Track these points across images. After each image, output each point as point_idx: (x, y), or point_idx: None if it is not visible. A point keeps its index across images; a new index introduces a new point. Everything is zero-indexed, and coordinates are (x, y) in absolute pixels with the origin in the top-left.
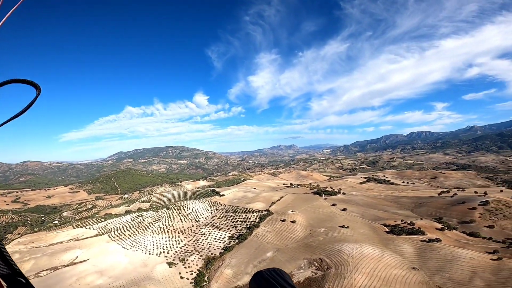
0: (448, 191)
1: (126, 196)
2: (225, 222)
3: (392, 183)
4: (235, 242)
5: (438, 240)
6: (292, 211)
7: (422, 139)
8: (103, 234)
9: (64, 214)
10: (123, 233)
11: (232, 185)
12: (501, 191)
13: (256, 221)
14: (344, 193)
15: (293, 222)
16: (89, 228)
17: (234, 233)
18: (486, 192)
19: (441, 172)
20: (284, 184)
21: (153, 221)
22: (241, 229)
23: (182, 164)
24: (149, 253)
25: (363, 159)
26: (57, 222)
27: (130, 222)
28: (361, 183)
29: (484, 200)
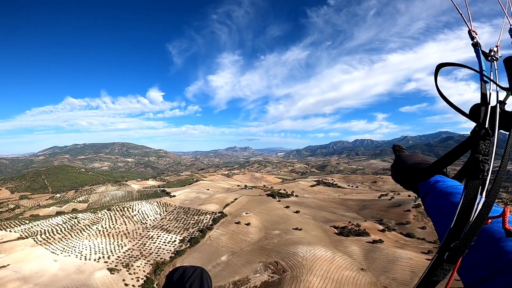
0: (386, 194)
1: (58, 195)
2: (176, 225)
3: (339, 187)
4: (187, 246)
5: (380, 241)
6: (246, 213)
7: (364, 146)
8: (27, 237)
9: None
10: (52, 237)
11: (184, 185)
12: None
13: (210, 223)
14: (296, 196)
15: (248, 224)
16: (10, 231)
17: (185, 236)
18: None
19: (379, 176)
20: (238, 185)
21: (91, 223)
22: (193, 231)
23: (130, 162)
24: (86, 259)
25: (313, 163)
26: None
27: (61, 225)
28: (312, 186)
29: (417, 203)
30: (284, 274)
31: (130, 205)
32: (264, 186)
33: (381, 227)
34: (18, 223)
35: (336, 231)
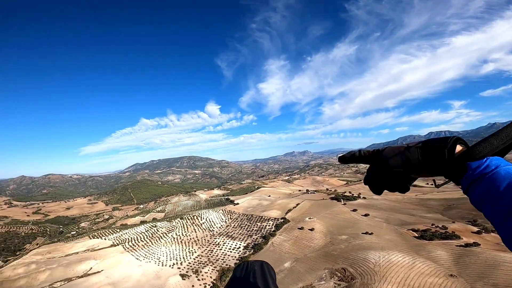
0: None
1: (141, 206)
2: (240, 231)
3: (416, 185)
4: (251, 252)
5: (476, 244)
6: (309, 218)
7: None
8: (118, 244)
9: (82, 224)
10: (137, 244)
11: (247, 193)
12: None
13: (272, 229)
14: (364, 198)
15: (312, 229)
16: (105, 239)
17: (249, 243)
18: None
19: None
20: (299, 190)
21: (167, 231)
22: (257, 238)
23: (197, 173)
24: (162, 265)
25: None
26: (74, 232)
27: (144, 233)
28: None
29: None
30: (353, 281)
31: (199, 214)
32: (327, 189)
33: (475, 229)
34: (111, 231)
35: (416, 235)
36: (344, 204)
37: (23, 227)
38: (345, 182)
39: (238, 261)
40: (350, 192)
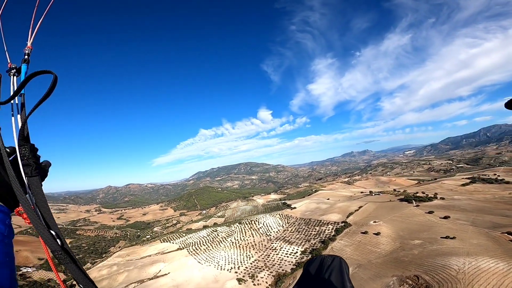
0: None
1: (204, 212)
2: (297, 236)
3: (508, 182)
4: (308, 258)
5: None
6: (374, 222)
7: None
8: (183, 248)
9: (155, 229)
10: (199, 248)
11: (304, 196)
12: None
13: (332, 234)
14: (442, 198)
15: (377, 234)
16: (172, 243)
17: (307, 248)
18: None
19: None
20: (362, 192)
21: (226, 235)
22: (315, 243)
23: (254, 179)
24: (221, 269)
25: (459, 157)
26: (149, 236)
27: (205, 237)
28: (463, 185)
29: None
30: None
31: (257, 219)
32: (395, 190)
33: None
34: (178, 236)
35: None
36: (417, 205)
37: (109, 231)
38: (416, 182)
39: (295, 266)
40: (423, 193)
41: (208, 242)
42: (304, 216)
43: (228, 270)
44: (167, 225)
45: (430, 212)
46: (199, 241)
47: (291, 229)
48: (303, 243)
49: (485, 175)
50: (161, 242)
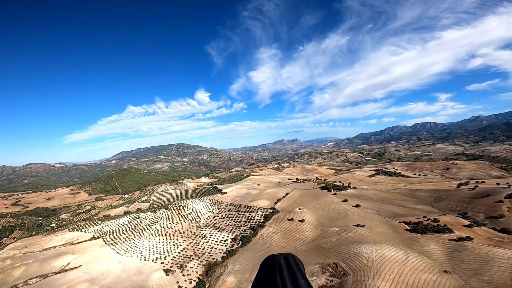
0: (466, 183)
1: (126, 196)
2: (228, 223)
3: (403, 176)
4: (239, 245)
5: (469, 238)
6: (300, 209)
7: (427, 130)
8: (98, 237)
9: (62, 216)
10: (118, 237)
11: (235, 181)
12: None
13: (261, 220)
14: (354, 188)
15: (302, 221)
16: (85, 231)
17: (237, 235)
18: (510, 183)
19: (453, 163)
20: (289, 179)
21: (151, 223)
22: (245, 230)
23: (185, 161)
24: (145, 259)
25: (368, 151)
26: (54, 225)
27: (126, 225)
28: (370, 176)
29: (510, 192)
30: (345, 277)
31: (185, 204)
32: (317, 178)
33: (466, 222)
34: (92, 223)
35: (408, 228)
36: (335, 194)
37: (1, 220)
38: (334, 171)
39: (225, 255)
40: (340, 182)
41: (130, 230)
42: (234, 202)
43: (153, 260)
44: (78, 211)
45: (345, 201)
46: (119, 229)
47: (222, 215)
48: (233, 230)
49: (387, 168)
50: (70, 231)
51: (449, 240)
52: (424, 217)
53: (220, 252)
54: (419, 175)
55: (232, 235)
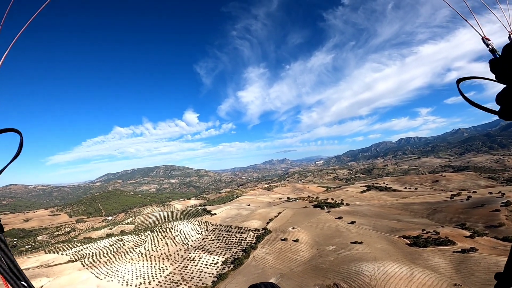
0: (458, 194)
1: (110, 218)
2: (218, 245)
3: (394, 190)
4: (230, 268)
5: (474, 249)
6: (293, 228)
7: (411, 145)
8: (76, 260)
9: (39, 238)
10: (98, 260)
11: (225, 202)
12: None
13: (253, 241)
14: (348, 204)
15: (296, 240)
16: (62, 254)
17: (228, 257)
18: (502, 192)
19: (441, 175)
20: (280, 198)
21: (135, 245)
22: (236, 251)
23: (173, 183)
24: (127, 284)
25: (357, 168)
26: (29, 246)
27: (108, 247)
28: (362, 192)
29: (505, 200)
30: None
31: (172, 226)
32: (309, 196)
33: (467, 233)
34: (70, 246)
35: (408, 242)
36: (328, 211)
37: None
38: (325, 189)
39: (216, 279)
40: (332, 199)
41: (111, 253)
42: (224, 223)
43: (136, 285)
44: (57, 233)
45: (340, 218)
46: (99, 252)
47: (211, 237)
48: (224, 252)
49: (377, 183)
50: (46, 253)
51: (453, 252)
52: (423, 230)
53: (210, 276)
54: (410, 188)
55: (222, 257)
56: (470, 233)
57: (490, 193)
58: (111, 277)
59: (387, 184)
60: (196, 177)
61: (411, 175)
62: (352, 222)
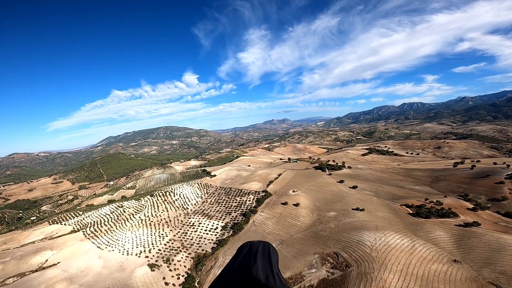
0: (462, 162)
1: (111, 183)
2: (217, 209)
3: (396, 154)
4: (230, 234)
5: (476, 224)
6: (293, 191)
7: (414, 110)
8: (78, 230)
9: (44, 208)
10: (99, 229)
11: (225, 163)
12: None
13: (253, 205)
14: (349, 167)
15: (296, 205)
16: (65, 224)
17: (228, 222)
18: (508, 163)
19: (444, 141)
20: (281, 159)
21: (134, 212)
22: (236, 216)
23: (174, 144)
24: (128, 253)
25: (358, 130)
26: (34, 218)
27: (108, 215)
28: (363, 154)
29: (510, 173)
30: (348, 269)
31: (172, 189)
32: (310, 157)
33: (470, 205)
34: (72, 215)
35: (411, 211)
36: (330, 174)
37: None
38: (326, 150)
39: (215, 245)
40: (334, 161)
41: (112, 221)
42: (224, 185)
43: (136, 254)
44: (60, 202)
45: (341, 182)
46: (100, 220)
47: (211, 201)
48: (223, 217)
49: (379, 146)
50: (50, 224)
51: (456, 225)
52: (426, 199)
53: (210, 242)
54: (412, 153)
55: (222, 222)
56: (473, 206)
57: (495, 163)
58: (112, 247)
59: (388, 148)
60: (196, 138)
61: (413, 140)
62: (354, 187)
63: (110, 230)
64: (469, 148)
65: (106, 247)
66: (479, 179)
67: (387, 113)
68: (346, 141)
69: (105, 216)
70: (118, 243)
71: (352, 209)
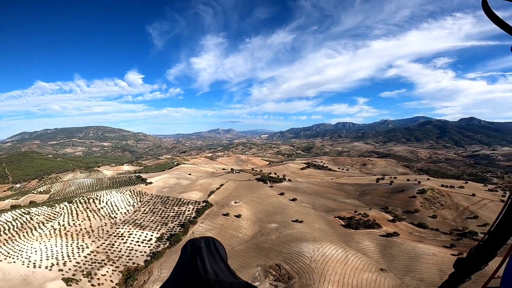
0: (383, 178)
1: (18, 185)
2: (152, 218)
3: (330, 169)
4: (166, 246)
5: (396, 234)
6: (235, 202)
7: (346, 129)
8: None
9: None
10: None
11: (164, 170)
12: (428, 179)
13: (193, 215)
14: (289, 180)
15: (238, 216)
16: None
17: (164, 233)
18: (418, 180)
19: (368, 159)
20: (223, 169)
21: (46, 220)
22: (173, 226)
23: (106, 146)
24: (34, 266)
25: (298, 145)
26: None
27: (9, 222)
28: (302, 168)
29: (421, 188)
30: (290, 282)
31: (97, 196)
32: (253, 169)
33: (390, 217)
34: None
35: (343, 223)
36: (271, 186)
37: None
38: (268, 162)
39: (149, 258)
40: (275, 173)
41: (14, 229)
42: (161, 194)
43: (47, 267)
44: None
45: (282, 194)
46: None
47: (145, 210)
48: (159, 227)
49: (316, 161)
50: None
51: (380, 235)
52: (355, 211)
53: (143, 255)
54: (343, 169)
55: (157, 233)
56: (392, 217)
57: (408, 180)
58: (12, 258)
59: (324, 163)
60: (133, 141)
61: (344, 157)
62: (294, 199)
63: (11, 240)
64: (387, 166)
65: (5, 258)
66: (396, 193)
67: (324, 131)
68: (287, 155)
69: (6, 223)
70: (21, 254)
71: (292, 220)
